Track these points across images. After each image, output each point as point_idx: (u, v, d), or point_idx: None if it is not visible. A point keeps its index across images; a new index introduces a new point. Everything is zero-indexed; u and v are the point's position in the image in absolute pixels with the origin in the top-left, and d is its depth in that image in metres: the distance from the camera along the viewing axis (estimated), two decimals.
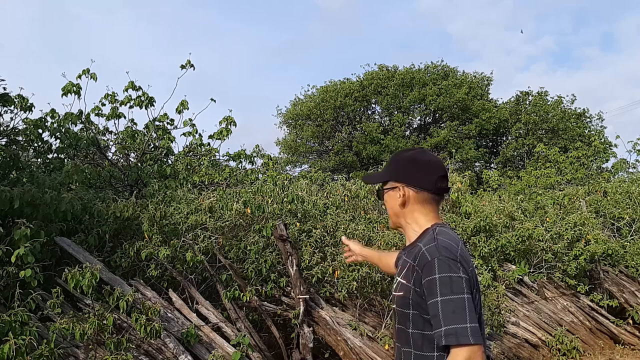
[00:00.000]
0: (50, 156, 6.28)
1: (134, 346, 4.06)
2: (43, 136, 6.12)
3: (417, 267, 1.73)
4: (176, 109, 7.25)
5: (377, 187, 2.06)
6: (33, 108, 5.87)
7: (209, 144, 7.65)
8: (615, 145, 15.20)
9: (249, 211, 5.20)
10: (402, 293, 1.78)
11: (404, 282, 1.78)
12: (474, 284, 1.72)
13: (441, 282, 1.64)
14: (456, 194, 6.82)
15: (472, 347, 1.57)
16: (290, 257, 4.86)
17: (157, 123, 7.22)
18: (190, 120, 7.43)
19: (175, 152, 7.47)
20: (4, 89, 5.41)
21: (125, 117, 6.99)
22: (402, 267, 1.85)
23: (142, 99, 6.89)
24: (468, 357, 1.57)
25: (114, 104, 6.86)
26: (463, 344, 1.57)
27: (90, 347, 3.86)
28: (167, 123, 7.35)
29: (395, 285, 1.87)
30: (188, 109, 7.20)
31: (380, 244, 5.29)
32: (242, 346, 4.38)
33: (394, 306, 1.87)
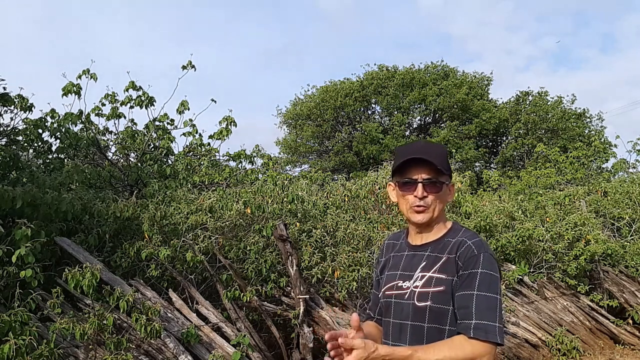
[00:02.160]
0: (50, 156, 6.28)
1: (134, 346, 4.06)
2: (43, 136, 6.13)
3: (458, 259, 1.71)
4: (176, 109, 7.25)
5: (425, 176, 1.76)
6: (33, 108, 5.88)
7: (209, 144, 7.65)
8: (615, 146, 15.18)
9: (249, 211, 5.20)
10: (442, 288, 1.70)
11: (443, 276, 1.71)
12: (501, 290, 1.76)
13: (481, 278, 1.66)
14: (456, 194, 6.82)
15: (495, 346, 1.61)
16: (290, 257, 4.86)
17: (157, 123, 7.22)
18: (191, 120, 7.44)
19: (175, 152, 7.48)
20: (4, 88, 5.42)
21: (125, 117, 7.00)
22: (431, 262, 1.76)
23: (143, 99, 6.90)
24: (486, 355, 1.59)
25: (114, 104, 6.86)
26: (491, 341, 1.59)
27: (90, 347, 3.86)
28: (167, 123, 7.35)
29: (417, 280, 1.76)
30: (188, 109, 7.21)
31: (381, 244, 5.29)
32: (242, 346, 4.38)
33: (419, 303, 1.72)
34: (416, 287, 1.75)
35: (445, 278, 1.71)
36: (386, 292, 1.86)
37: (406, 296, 1.77)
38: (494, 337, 1.59)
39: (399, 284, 1.81)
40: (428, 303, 1.71)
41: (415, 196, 1.77)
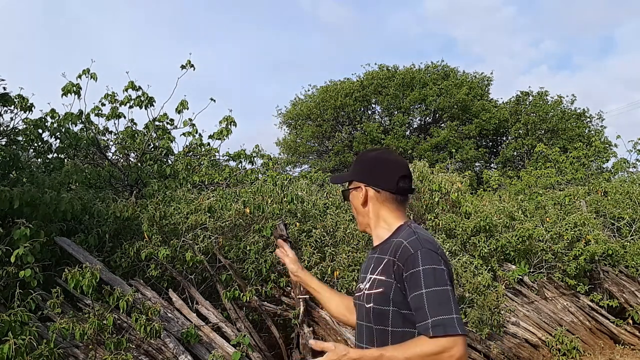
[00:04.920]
0: (50, 156, 6.27)
1: (134, 346, 4.06)
2: (43, 136, 6.12)
3: (397, 261, 1.71)
4: (176, 109, 7.24)
5: (342, 188, 2.06)
6: (33, 108, 5.87)
7: (208, 144, 7.65)
8: (616, 145, 15.21)
9: (248, 211, 5.20)
10: (381, 289, 1.74)
11: (383, 278, 1.75)
12: (452, 278, 1.75)
13: (425, 274, 1.65)
14: (456, 194, 6.82)
15: (459, 337, 1.59)
16: None
17: (157, 123, 7.22)
18: (190, 120, 7.43)
19: (175, 152, 7.47)
20: (4, 89, 5.41)
21: (125, 117, 6.99)
22: (376, 264, 1.82)
23: (142, 99, 6.89)
24: (454, 347, 1.58)
25: (114, 104, 6.85)
26: (451, 334, 1.58)
27: (90, 347, 3.86)
28: (167, 123, 7.35)
29: (366, 282, 1.82)
30: (188, 109, 7.19)
31: None
32: (242, 346, 4.38)
33: (367, 305, 1.79)
34: (365, 289, 1.82)
35: (384, 280, 1.75)
36: (354, 294, 1.99)
37: (360, 298, 1.86)
38: (454, 329, 1.58)
39: (359, 286, 1.91)
40: (371, 304, 1.77)
41: None
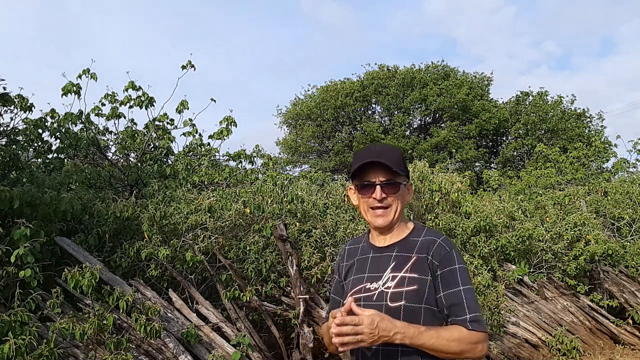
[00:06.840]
0: (50, 156, 6.28)
1: (134, 346, 4.06)
2: (43, 136, 6.12)
3: (432, 258, 1.77)
4: (176, 109, 7.25)
5: (382, 178, 1.81)
6: (33, 108, 5.88)
7: (208, 144, 7.65)
8: (616, 145, 15.21)
9: (248, 211, 5.20)
10: (415, 287, 1.75)
11: (415, 275, 1.76)
12: None
13: (461, 272, 1.75)
14: (456, 194, 6.81)
15: (487, 334, 1.73)
16: (290, 257, 4.85)
17: (157, 123, 7.22)
18: (190, 120, 7.43)
19: (175, 152, 7.47)
20: (4, 88, 5.41)
21: (125, 117, 6.99)
22: (400, 262, 1.80)
23: (142, 99, 6.89)
24: (484, 342, 1.71)
25: (114, 104, 6.86)
26: (485, 331, 1.72)
27: (90, 347, 3.86)
28: (167, 123, 7.35)
29: (387, 281, 1.79)
30: (188, 109, 7.20)
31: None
32: (242, 346, 4.38)
33: (393, 303, 1.75)
34: (387, 287, 1.79)
35: (418, 277, 1.76)
36: (354, 296, 1.85)
37: (375, 297, 1.80)
38: (485, 327, 1.73)
39: (367, 286, 1.84)
40: (402, 303, 1.75)
41: (374, 198, 1.82)
